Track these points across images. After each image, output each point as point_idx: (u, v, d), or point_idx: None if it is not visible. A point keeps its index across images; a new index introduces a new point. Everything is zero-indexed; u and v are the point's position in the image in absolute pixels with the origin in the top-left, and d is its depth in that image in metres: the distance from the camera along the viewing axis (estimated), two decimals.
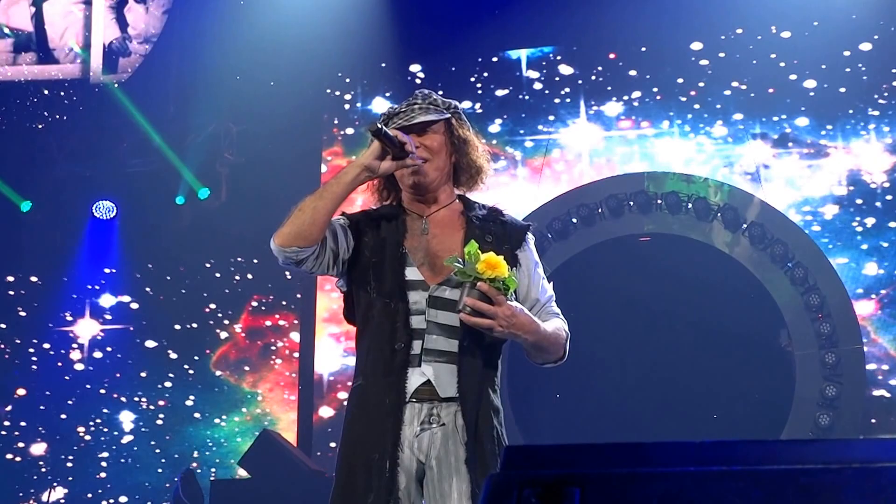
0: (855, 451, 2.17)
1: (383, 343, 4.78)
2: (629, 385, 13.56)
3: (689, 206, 13.47)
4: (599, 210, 13.77)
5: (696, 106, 14.01)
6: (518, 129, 14.60)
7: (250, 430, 14.70)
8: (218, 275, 15.28)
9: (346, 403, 4.98)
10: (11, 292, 15.63)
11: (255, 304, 15.32)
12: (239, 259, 15.24)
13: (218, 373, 15.23)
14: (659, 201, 13.59)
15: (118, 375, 15.25)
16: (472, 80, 14.84)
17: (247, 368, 15.20)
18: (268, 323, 15.35)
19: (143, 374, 15.26)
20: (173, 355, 15.23)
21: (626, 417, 13.15)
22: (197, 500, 12.46)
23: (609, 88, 14.33)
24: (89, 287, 15.72)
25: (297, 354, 15.19)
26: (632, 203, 13.69)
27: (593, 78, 14.41)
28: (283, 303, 15.35)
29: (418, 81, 14.90)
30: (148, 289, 15.52)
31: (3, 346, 15.49)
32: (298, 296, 15.31)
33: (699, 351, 13.48)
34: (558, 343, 5.01)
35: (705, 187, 13.53)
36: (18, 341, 15.53)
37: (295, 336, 15.20)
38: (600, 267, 13.89)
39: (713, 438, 2.22)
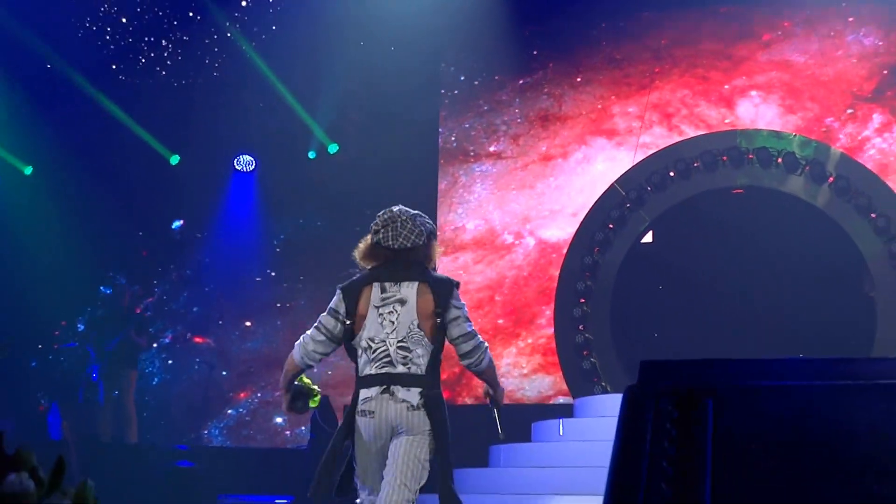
0: None
1: None
2: (722, 325, 13.43)
3: (779, 160, 13.25)
4: (695, 164, 13.61)
5: None
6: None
7: None
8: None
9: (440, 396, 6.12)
10: None
11: None
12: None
13: None
14: (750, 156, 13.39)
15: None
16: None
17: None
18: None
19: None
20: None
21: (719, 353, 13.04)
22: (332, 426, 12.56)
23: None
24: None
25: None
26: (725, 158, 13.51)
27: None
28: None
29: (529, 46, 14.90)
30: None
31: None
32: None
33: (787, 296, 13.35)
34: None
35: (793, 143, 13.32)
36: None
37: None
38: (696, 217, 13.79)
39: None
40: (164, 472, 12.40)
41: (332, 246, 15.79)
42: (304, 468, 12.26)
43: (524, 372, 14.13)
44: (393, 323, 6.05)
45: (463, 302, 6.17)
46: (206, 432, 15.67)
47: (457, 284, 6.19)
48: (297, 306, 16.02)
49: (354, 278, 6.26)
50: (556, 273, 14.13)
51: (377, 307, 6.09)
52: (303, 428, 15.44)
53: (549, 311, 14.16)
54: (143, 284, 15.72)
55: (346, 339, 6.21)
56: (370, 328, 6.08)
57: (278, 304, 16.10)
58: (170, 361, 15.65)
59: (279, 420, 15.81)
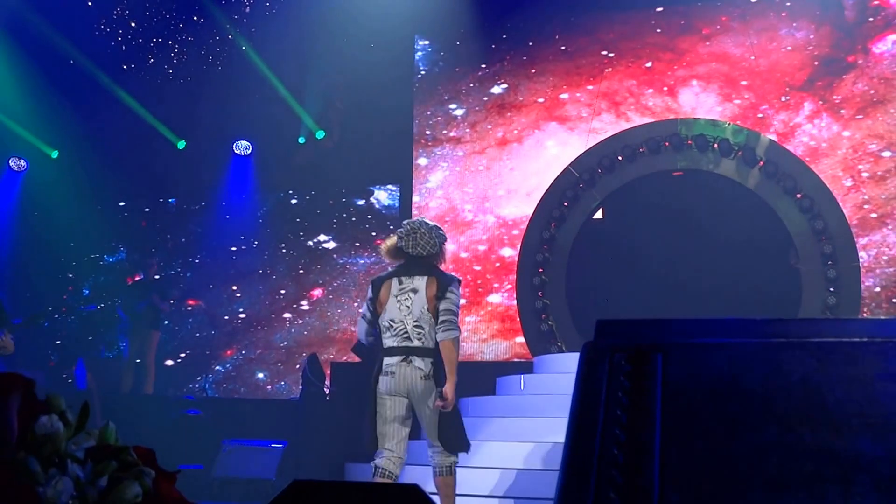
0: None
1: None
2: (665, 291, 13.44)
3: (715, 146, 13.24)
4: (641, 150, 13.59)
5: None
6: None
7: None
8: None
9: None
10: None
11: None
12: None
13: None
14: (689, 142, 13.38)
15: None
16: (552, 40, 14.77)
17: None
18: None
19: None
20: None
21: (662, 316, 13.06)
22: (320, 379, 12.60)
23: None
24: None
25: None
26: (667, 144, 13.50)
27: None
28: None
29: (504, 37, 14.87)
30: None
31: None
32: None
33: (721, 267, 13.36)
34: None
35: (727, 130, 13.31)
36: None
37: None
38: (641, 196, 13.79)
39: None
40: (174, 418, 12.40)
41: (309, 218, 15.90)
42: (296, 417, 12.27)
43: (483, 337, 14.15)
44: (409, 307, 7.04)
45: (458, 294, 7.09)
46: (196, 385, 15.69)
47: (458, 281, 7.17)
48: (276, 272, 16.05)
49: (381, 274, 7.30)
50: (513, 248, 14.14)
51: (396, 296, 7.08)
52: (282, 383, 15.49)
53: (506, 283, 14.17)
54: (142, 253, 15.75)
55: (374, 320, 7.20)
56: (391, 311, 7.07)
57: (260, 271, 16.12)
58: (166, 322, 15.62)
59: (260, 375, 15.83)
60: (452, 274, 7.29)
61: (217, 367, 15.94)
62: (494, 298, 14.19)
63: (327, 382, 12.77)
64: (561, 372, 11.35)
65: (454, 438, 7.11)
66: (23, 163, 16.08)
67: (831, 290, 12.56)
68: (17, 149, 15.87)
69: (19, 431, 1.80)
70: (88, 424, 1.92)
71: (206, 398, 14.35)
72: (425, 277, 7.08)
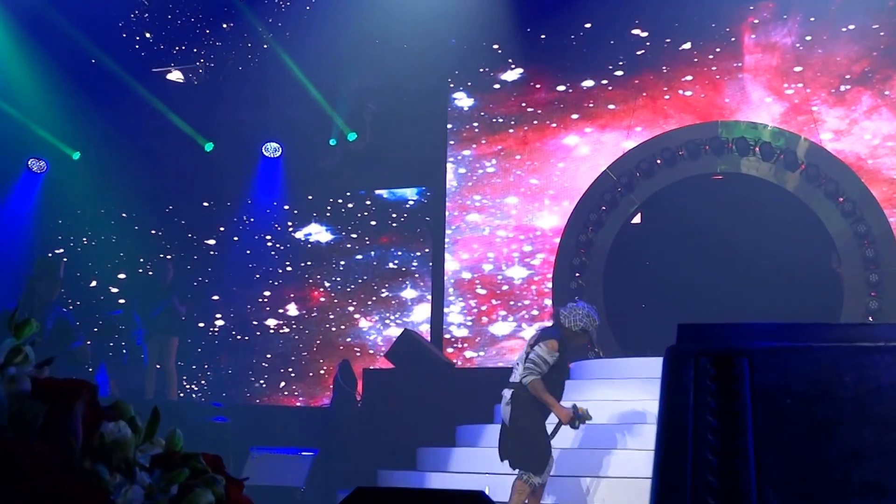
0: None
1: None
2: (703, 296, 13.37)
3: (756, 149, 13.18)
4: (680, 153, 13.56)
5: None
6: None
7: None
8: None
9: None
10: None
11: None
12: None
13: None
14: (730, 145, 13.32)
15: None
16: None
17: None
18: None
19: None
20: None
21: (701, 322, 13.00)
22: (352, 385, 12.64)
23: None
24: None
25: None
26: (707, 147, 13.44)
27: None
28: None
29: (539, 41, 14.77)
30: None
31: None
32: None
33: (761, 271, 13.29)
34: None
35: (768, 133, 13.23)
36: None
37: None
38: (680, 200, 13.72)
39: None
40: (201, 426, 12.40)
41: (338, 220, 15.94)
42: (328, 424, 12.29)
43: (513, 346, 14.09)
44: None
45: (545, 350, 8.66)
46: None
47: (553, 339, 8.71)
48: (289, 273, 16.10)
49: None
50: (539, 252, 14.08)
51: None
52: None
53: (534, 287, 14.12)
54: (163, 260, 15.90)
55: None
56: None
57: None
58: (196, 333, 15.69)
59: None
60: (549, 336, 8.79)
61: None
62: (525, 302, 14.13)
63: (359, 389, 12.79)
64: (599, 378, 11.34)
65: (516, 457, 8.67)
66: (42, 164, 16.14)
67: (873, 294, 12.52)
68: (36, 149, 15.92)
69: (83, 439, 1.78)
70: None
71: (234, 405, 14.38)
72: (535, 335, 8.96)
